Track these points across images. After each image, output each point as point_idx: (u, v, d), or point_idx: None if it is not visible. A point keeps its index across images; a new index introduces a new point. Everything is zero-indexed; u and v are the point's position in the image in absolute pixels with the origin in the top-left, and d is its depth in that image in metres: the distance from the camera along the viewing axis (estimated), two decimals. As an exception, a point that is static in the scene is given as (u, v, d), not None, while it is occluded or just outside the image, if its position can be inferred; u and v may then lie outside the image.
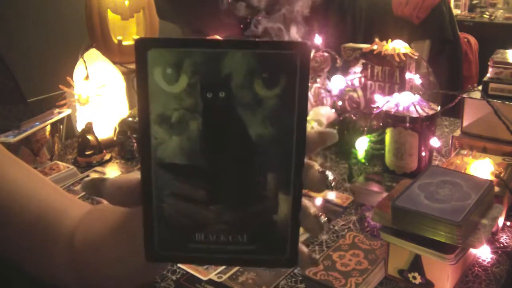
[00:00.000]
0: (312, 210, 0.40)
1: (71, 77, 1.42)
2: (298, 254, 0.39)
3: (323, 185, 0.40)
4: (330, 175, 0.40)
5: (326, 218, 0.41)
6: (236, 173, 0.37)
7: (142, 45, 0.34)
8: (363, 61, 1.43)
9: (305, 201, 0.40)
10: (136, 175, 0.40)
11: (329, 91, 1.50)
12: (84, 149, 1.39)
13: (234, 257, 0.39)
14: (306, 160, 0.38)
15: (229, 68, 0.35)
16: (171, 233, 0.38)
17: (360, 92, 1.43)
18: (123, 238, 0.44)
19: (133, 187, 0.40)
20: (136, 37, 1.48)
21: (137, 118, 1.47)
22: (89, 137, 1.39)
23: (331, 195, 1.14)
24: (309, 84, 1.54)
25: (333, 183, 0.40)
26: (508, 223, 0.99)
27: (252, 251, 0.39)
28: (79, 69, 1.42)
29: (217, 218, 0.38)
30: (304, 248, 0.41)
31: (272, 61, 0.35)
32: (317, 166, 0.40)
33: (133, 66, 1.61)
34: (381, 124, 1.23)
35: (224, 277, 0.88)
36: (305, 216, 0.39)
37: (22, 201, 0.54)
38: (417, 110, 1.12)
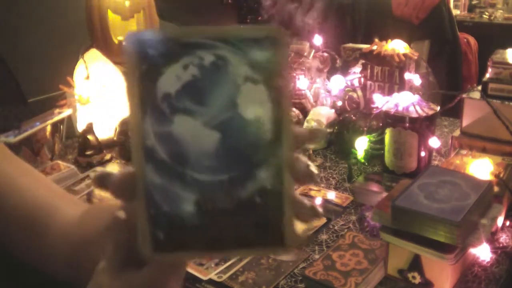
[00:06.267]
0: (305, 200, 0.38)
1: (72, 77, 1.42)
2: (293, 236, 0.37)
3: (308, 176, 0.38)
4: (314, 167, 0.38)
5: (320, 208, 0.38)
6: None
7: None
8: (363, 61, 1.43)
9: (296, 193, 0.38)
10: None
11: (329, 91, 1.50)
12: (84, 149, 1.39)
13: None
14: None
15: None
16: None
17: (359, 92, 1.44)
18: None
19: (132, 178, 0.38)
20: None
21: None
22: (90, 137, 1.39)
23: (331, 195, 1.15)
24: (309, 84, 1.54)
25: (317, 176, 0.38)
26: (507, 223, 0.99)
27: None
28: (79, 69, 1.43)
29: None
30: (298, 230, 0.38)
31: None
32: (303, 159, 0.38)
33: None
34: (380, 124, 1.23)
35: (224, 277, 0.88)
36: (300, 206, 0.38)
37: (13, 195, 0.59)
38: (416, 110, 1.12)
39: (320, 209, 0.39)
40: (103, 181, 0.39)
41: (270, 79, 0.36)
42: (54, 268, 0.57)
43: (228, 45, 0.36)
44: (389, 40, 1.39)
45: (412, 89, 1.34)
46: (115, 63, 1.49)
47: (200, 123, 0.36)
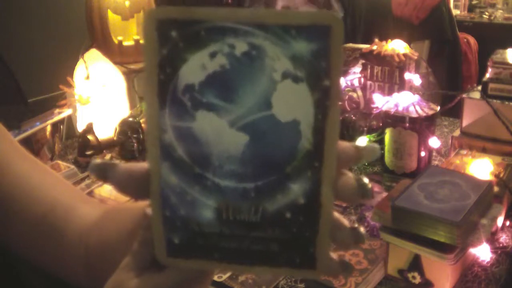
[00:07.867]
0: (345, 221, 0.34)
1: (72, 77, 1.42)
2: (326, 260, 0.33)
3: (358, 193, 0.33)
4: (366, 181, 0.33)
5: (364, 230, 0.33)
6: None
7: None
8: (363, 61, 1.43)
9: (336, 213, 0.34)
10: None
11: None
12: (84, 149, 1.39)
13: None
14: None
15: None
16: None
17: (359, 92, 1.44)
18: None
19: (146, 176, 0.34)
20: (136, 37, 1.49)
21: (137, 118, 1.48)
22: (90, 137, 1.39)
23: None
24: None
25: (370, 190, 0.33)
26: (507, 223, 0.99)
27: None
28: (79, 69, 1.43)
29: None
30: (334, 255, 0.35)
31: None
32: (351, 174, 0.34)
33: (133, 66, 1.61)
34: (380, 124, 1.23)
35: (224, 277, 0.88)
36: (338, 227, 0.34)
37: (28, 194, 0.54)
38: (416, 110, 1.12)
39: (363, 232, 0.34)
40: (104, 173, 0.36)
41: (315, 77, 0.30)
42: (69, 271, 0.54)
43: (266, 32, 0.30)
44: (389, 40, 1.39)
45: (412, 89, 1.34)
46: (115, 63, 1.49)
47: (225, 122, 0.31)
